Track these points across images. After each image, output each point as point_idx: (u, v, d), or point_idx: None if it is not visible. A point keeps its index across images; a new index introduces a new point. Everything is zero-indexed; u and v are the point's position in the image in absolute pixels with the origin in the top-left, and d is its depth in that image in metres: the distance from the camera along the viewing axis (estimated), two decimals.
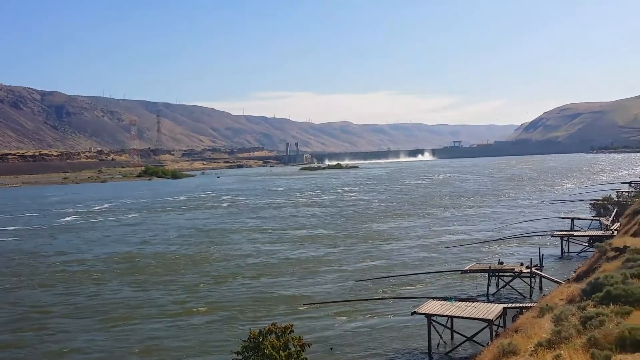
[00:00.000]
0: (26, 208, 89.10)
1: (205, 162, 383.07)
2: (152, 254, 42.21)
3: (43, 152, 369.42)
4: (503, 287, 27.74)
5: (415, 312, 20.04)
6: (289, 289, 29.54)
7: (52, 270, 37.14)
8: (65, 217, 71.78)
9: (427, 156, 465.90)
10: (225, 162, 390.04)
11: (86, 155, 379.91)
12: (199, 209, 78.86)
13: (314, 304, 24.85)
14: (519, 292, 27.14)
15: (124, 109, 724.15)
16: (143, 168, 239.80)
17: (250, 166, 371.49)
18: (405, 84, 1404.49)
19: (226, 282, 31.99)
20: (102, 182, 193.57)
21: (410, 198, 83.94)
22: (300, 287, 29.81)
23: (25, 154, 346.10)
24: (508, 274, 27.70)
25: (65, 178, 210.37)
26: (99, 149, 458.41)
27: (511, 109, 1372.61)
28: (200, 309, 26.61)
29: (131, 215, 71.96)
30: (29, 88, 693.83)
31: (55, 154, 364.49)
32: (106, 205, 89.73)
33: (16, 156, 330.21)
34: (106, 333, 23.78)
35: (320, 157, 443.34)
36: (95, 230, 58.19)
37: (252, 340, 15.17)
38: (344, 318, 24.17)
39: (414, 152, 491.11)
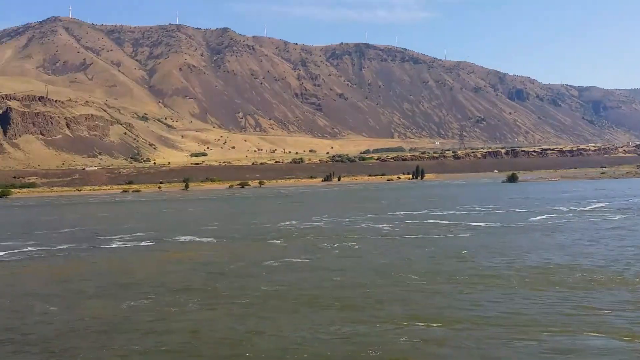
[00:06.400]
0: (521, 203, 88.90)
1: None
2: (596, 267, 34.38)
3: (581, 147, 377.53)
4: None
5: None
6: None
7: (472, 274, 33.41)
8: (538, 216, 66.92)
9: None
10: None
11: (624, 150, 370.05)
12: None
13: None
14: None
15: None
16: None
17: None
18: None
19: None
20: None
21: None
22: None
23: (564, 149, 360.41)
24: None
25: (602, 173, 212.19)
26: (637, 142, 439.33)
27: None
28: None
29: (615, 217, 63.53)
30: (566, 85, 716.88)
31: (592, 148, 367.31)
32: (601, 204, 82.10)
33: (555, 151, 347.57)
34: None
35: None
36: (557, 232, 52.22)
37: None
38: None
39: None
